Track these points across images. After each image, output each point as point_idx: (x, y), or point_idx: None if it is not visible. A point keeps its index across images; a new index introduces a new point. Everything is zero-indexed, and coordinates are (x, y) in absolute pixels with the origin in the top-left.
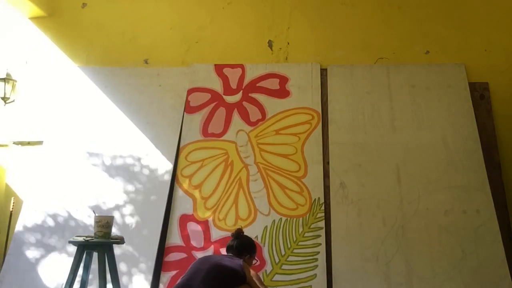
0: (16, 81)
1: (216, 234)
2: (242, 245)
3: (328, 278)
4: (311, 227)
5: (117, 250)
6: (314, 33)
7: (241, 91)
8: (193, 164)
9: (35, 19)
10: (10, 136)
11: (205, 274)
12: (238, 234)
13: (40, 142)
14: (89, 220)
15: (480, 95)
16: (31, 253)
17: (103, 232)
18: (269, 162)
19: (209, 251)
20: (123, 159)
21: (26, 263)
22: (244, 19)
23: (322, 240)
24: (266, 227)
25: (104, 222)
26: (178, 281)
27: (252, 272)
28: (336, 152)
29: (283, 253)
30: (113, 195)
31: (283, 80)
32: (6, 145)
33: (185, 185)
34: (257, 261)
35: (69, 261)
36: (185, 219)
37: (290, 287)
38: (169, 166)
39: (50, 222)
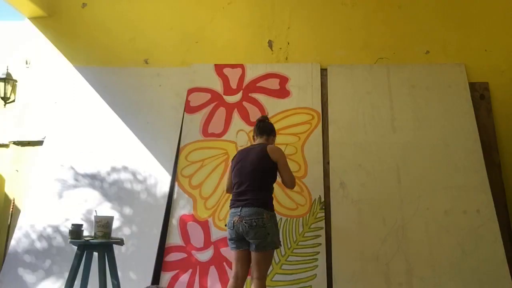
0: (16, 81)
1: (216, 234)
2: (269, 128)
3: (328, 278)
4: (311, 227)
5: (117, 250)
6: (314, 33)
7: (241, 91)
8: (193, 164)
9: (35, 19)
10: (10, 136)
11: (250, 185)
12: (265, 117)
13: (40, 142)
14: (90, 221)
15: (480, 95)
16: (30, 257)
17: (103, 232)
18: None
19: (209, 251)
20: (123, 159)
21: (25, 264)
22: (244, 19)
23: (322, 240)
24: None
25: (104, 222)
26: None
27: (278, 153)
28: (336, 152)
29: (283, 253)
30: (113, 195)
31: (283, 80)
32: (6, 145)
33: (185, 185)
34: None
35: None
36: (185, 219)
37: (290, 287)
38: (169, 166)
39: (50, 223)
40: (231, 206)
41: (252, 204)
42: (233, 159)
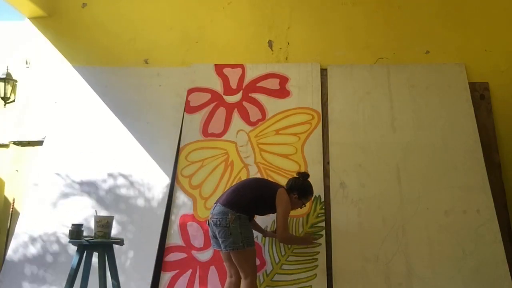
0: (16, 81)
1: None
2: (298, 184)
3: (328, 278)
4: (311, 227)
5: (117, 250)
6: (314, 33)
7: (241, 91)
8: (193, 164)
9: (35, 19)
10: (10, 136)
11: (249, 187)
12: (304, 176)
13: (40, 142)
14: (89, 221)
15: (480, 95)
16: (30, 259)
17: (103, 232)
18: (269, 162)
19: (209, 251)
20: (123, 160)
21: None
22: (244, 19)
23: (322, 240)
24: (266, 227)
25: (104, 222)
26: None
27: (283, 200)
28: (336, 152)
29: (283, 253)
30: (113, 195)
31: (283, 80)
32: (6, 145)
33: (185, 185)
34: (304, 205)
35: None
36: (185, 219)
37: (290, 287)
38: (169, 166)
39: (49, 224)
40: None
41: (222, 203)
42: None
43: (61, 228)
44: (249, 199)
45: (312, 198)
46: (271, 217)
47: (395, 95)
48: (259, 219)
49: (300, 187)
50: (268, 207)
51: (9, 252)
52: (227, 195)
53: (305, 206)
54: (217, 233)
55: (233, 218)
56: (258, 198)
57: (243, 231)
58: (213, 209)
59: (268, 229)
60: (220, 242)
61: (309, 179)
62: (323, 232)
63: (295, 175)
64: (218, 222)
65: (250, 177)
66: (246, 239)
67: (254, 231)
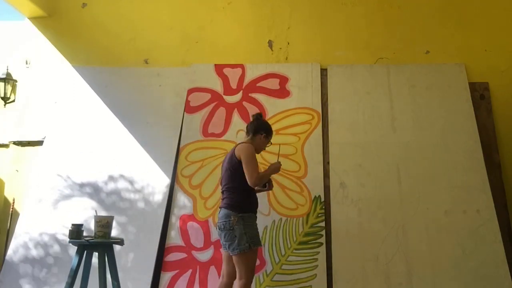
0: (16, 81)
1: (216, 234)
2: (259, 124)
3: (328, 278)
4: (311, 227)
5: (117, 250)
6: (314, 33)
7: (241, 91)
8: (193, 164)
9: (35, 19)
10: (10, 136)
11: (225, 183)
12: (259, 115)
13: (40, 142)
14: (90, 223)
15: (480, 95)
16: (30, 260)
17: (103, 232)
18: (269, 162)
19: (209, 251)
20: (123, 159)
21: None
22: (244, 19)
23: (322, 240)
24: (266, 227)
25: (104, 222)
26: None
27: (244, 151)
28: (336, 152)
29: (283, 253)
30: (113, 195)
31: (283, 80)
32: (6, 145)
33: (185, 185)
34: (270, 143)
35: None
36: (185, 219)
37: (290, 287)
38: (169, 166)
39: (49, 225)
40: None
41: (224, 207)
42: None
43: (61, 229)
44: (237, 189)
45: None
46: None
47: (395, 95)
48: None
49: (263, 125)
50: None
51: (9, 252)
52: (225, 196)
53: (271, 144)
54: (222, 236)
55: (236, 219)
56: (238, 180)
57: (248, 231)
58: (219, 213)
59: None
60: (227, 245)
61: (309, 179)
62: (323, 232)
63: (251, 118)
64: (223, 226)
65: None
66: (252, 239)
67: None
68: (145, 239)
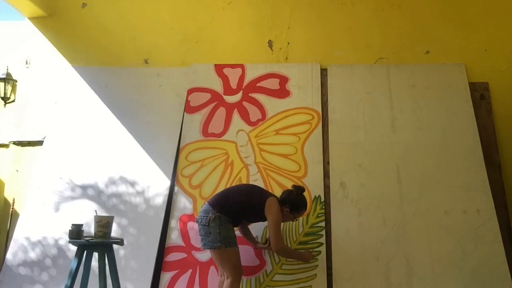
0: (16, 81)
1: None
2: (291, 198)
3: (328, 278)
4: (311, 227)
5: (117, 250)
6: (314, 33)
7: (241, 91)
8: (193, 164)
9: (35, 19)
10: (10, 136)
11: (239, 191)
12: (299, 190)
13: (40, 142)
14: (90, 226)
15: (480, 95)
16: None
17: (103, 232)
18: (269, 162)
19: (209, 252)
20: (123, 160)
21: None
22: (244, 19)
23: (322, 240)
24: (266, 227)
25: (104, 222)
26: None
27: (273, 210)
28: (336, 152)
29: None
30: (113, 195)
31: (283, 80)
32: (6, 145)
33: (185, 185)
34: (296, 219)
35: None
36: (185, 219)
37: (290, 287)
38: (169, 166)
39: (49, 226)
40: None
41: (207, 202)
42: None
43: (61, 229)
44: (236, 203)
45: (311, 205)
46: (262, 225)
47: (395, 95)
48: (254, 227)
49: (293, 201)
50: (256, 215)
51: (9, 253)
52: (216, 196)
53: (297, 220)
54: (199, 231)
55: (212, 217)
56: (246, 204)
57: (222, 231)
58: (201, 207)
59: (260, 238)
60: (200, 240)
61: (309, 179)
62: (323, 232)
63: (291, 188)
64: (200, 220)
65: (249, 180)
66: (225, 239)
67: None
68: (145, 239)
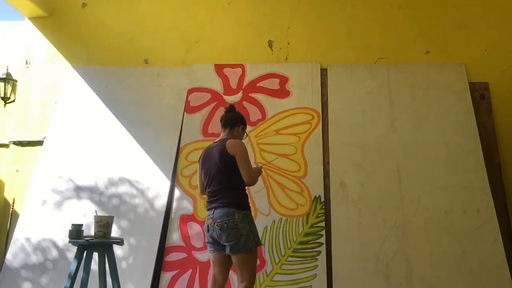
0: (16, 81)
1: None
2: (235, 116)
3: (328, 278)
4: (311, 227)
5: (117, 250)
6: (314, 33)
7: (241, 91)
8: (193, 164)
9: (35, 19)
10: (10, 136)
11: (217, 183)
12: (233, 107)
13: (40, 142)
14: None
15: (480, 95)
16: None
17: (103, 232)
18: (266, 160)
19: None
20: (123, 159)
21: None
22: (244, 19)
23: (322, 240)
24: (266, 227)
25: (104, 222)
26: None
27: (236, 148)
28: (336, 152)
29: (283, 253)
30: (113, 194)
31: (283, 80)
32: (6, 145)
33: (185, 185)
34: (247, 134)
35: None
36: (185, 219)
37: (290, 287)
38: (169, 166)
39: (48, 226)
40: (206, 209)
41: (222, 205)
42: (199, 159)
43: (61, 230)
44: (236, 187)
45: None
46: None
47: (395, 95)
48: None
49: (238, 117)
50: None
51: (9, 253)
52: (221, 194)
53: (247, 135)
54: (224, 237)
55: (240, 216)
56: (238, 178)
57: (253, 228)
58: (213, 213)
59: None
60: (229, 245)
61: (309, 179)
62: (323, 232)
63: (224, 111)
64: (225, 225)
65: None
66: (256, 236)
67: None
68: (145, 239)
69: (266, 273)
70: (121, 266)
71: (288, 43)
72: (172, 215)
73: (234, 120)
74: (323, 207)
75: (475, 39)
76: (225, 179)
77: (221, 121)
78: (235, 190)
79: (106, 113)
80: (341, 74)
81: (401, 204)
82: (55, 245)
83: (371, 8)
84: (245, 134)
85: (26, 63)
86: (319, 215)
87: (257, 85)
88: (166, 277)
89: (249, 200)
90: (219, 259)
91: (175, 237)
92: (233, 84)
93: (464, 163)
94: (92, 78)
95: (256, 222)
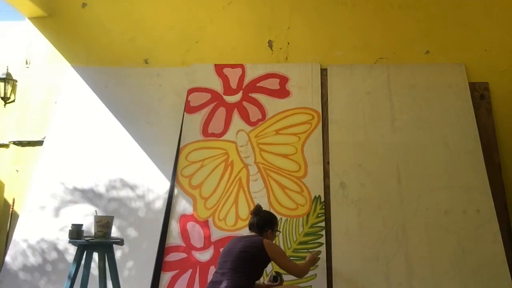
0: (16, 81)
1: (216, 234)
2: (262, 221)
3: (328, 278)
4: (311, 227)
5: (117, 250)
6: (314, 33)
7: (241, 91)
8: (193, 164)
9: (35, 19)
10: (10, 136)
11: (232, 264)
12: (258, 211)
13: (40, 142)
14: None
15: (480, 95)
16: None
17: (103, 232)
18: (269, 162)
19: (209, 251)
20: (123, 159)
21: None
22: (244, 19)
23: (322, 240)
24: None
25: (104, 222)
26: (213, 276)
27: (274, 249)
28: (336, 152)
29: None
30: (113, 195)
31: (283, 80)
32: (6, 145)
33: (185, 185)
34: (279, 232)
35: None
36: (185, 219)
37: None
38: (169, 166)
39: (48, 226)
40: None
41: None
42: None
43: (61, 230)
44: (247, 275)
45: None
46: None
47: (395, 95)
48: None
49: (265, 221)
50: (261, 267)
51: (8, 254)
52: (225, 278)
53: (280, 232)
54: None
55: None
56: (255, 269)
57: None
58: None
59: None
60: None
61: (309, 179)
62: (323, 232)
63: (250, 215)
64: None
65: (249, 180)
66: None
67: None
68: (145, 239)
69: (266, 273)
70: (121, 266)
71: (288, 43)
72: (172, 215)
73: (261, 226)
74: (323, 207)
75: (475, 39)
76: (242, 264)
77: (249, 224)
78: (245, 277)
79: (106, 113)
80: (341, 74)
81: (401, 204)
82: (54, 246)
83: (371, 8)
84: (278, 233)
85: (26, 63)
86: (319, 215)
87: (257, 85)
88: (166, 277)
89: (249, 200)
90: None
91: (175, 237)
92: (233, 84)
93: (464, 163)
94: (92, 78)
95: None
